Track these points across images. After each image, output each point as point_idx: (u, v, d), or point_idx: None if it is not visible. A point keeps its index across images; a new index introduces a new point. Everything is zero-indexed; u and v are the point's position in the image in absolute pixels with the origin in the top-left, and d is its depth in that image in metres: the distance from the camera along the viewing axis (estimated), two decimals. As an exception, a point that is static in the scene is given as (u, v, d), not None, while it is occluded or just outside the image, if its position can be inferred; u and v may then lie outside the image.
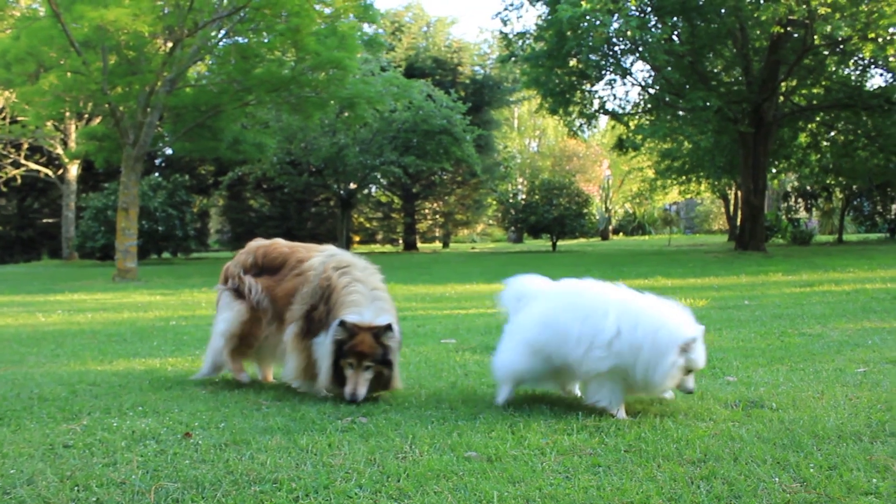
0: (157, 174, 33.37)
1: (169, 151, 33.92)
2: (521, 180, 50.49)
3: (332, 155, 29.07)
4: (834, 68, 24.01)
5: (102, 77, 17.39)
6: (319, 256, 4.99)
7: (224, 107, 20.07)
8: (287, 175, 31.47)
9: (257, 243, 5.37)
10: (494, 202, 40.47)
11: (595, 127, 33.13)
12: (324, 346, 4.64)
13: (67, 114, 28.20)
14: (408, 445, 3.59)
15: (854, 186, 30.60)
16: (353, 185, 33.10)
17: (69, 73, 17.95)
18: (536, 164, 54.59)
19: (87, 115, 28.90)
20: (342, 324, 4.48)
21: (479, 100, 36.36)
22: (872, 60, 22.00)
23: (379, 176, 33.88)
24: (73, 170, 31.58)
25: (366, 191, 37.41)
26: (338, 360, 4.54)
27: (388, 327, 4.53)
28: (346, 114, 25.07)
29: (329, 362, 4.58)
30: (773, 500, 2.79)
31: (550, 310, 4.26)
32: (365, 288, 4.74)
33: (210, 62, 21.42)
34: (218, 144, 22.53)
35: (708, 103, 21.00)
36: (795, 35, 21.71)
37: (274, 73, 19.31)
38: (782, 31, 21.08)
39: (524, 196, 36.90)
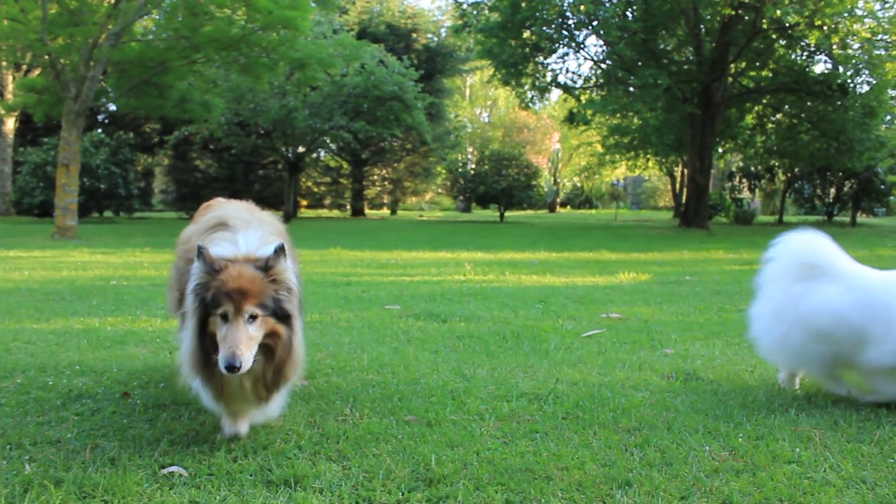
0: (100, 130, 32.42)
1: (113, 107, 32.95)
2: (470, 150, 50.46)
3: (281, 117, 28.62)
4: (781, 53, 24.43)
5: (42, 27, 16.76)
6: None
7: (171, 64, 19.53)
8: (235, 136, 30.91)
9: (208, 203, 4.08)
10: (443, 171, 40.30)
11: (546, 100, 33.06)
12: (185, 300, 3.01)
13: (4, 63, 27.15)
14: (348, 409, 3.61)
15: (796, 169, 31.31)
16: (301, 149, 32.66)
17: (5, 21, 17.25)
18: (487, 135, 54.52)
19: (25, 66, 27.88)
20: (201, 253, 2.82)
21: (431, 67, 36.06)
22: (817, 47, 22.44)
23: (328, 140, 33.51)
24: (10, 123, 30.48)
25: (314, 155, 36.91)
26: (204, 317, 2.85)
27: (280, 250, 2.87)
28: (297, 76, 24.66)
29: (192, 325, 2.88)
30: (703, 468, 2.88)
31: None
32: (240, 217, 3.33)
33: (157, 17, 20.79)
34: (164, 102, 21.95)
35: (658, 81, 21.22)
36: (746, 18, 21.99)
37: (223, 32, 18.82)
38: (733, 13, 21.38)
39: (473, 166, 36.87)
